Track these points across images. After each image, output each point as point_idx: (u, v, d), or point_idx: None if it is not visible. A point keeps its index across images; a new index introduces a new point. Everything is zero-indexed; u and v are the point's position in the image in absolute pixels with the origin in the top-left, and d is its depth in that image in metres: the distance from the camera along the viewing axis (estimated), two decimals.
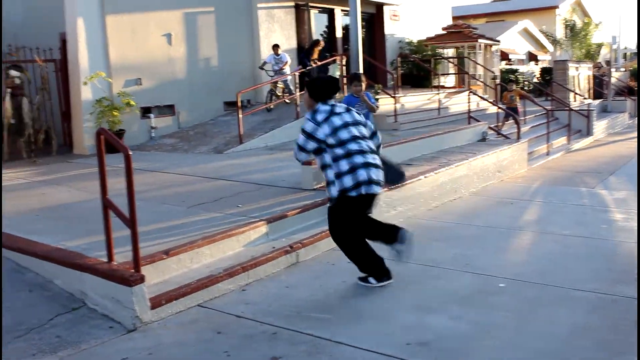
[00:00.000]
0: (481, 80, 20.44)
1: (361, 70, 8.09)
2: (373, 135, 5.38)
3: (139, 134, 13.35)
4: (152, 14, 13.60)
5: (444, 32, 21.31)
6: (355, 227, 5.26)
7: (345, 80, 14.53)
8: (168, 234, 5.86)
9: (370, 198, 5.17)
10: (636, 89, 26.69)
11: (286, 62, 14.64)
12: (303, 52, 15.80)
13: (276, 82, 14.34)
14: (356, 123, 5.22)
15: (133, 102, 12.80)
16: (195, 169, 9.88)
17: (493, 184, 10.22)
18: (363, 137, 5.20)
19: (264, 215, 6.45)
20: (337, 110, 5.21)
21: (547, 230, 7.23)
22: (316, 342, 4.29)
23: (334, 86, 5.25)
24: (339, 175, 5.09)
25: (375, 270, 5.37)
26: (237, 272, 5.37)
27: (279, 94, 14.58)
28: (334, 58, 15.44)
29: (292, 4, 16.56)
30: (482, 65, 20.95)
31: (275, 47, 14.80)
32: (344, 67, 14.97)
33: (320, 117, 5.14)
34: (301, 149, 5.25)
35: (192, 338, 4.43)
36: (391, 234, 5.30)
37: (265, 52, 15.75)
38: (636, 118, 23.64)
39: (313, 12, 17.41)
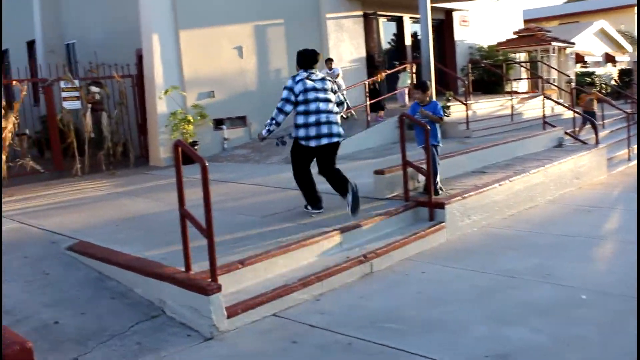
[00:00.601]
0: (555, 84, 19.91)
1: (433, 78, 8.01)
2: (339, 104, 7.06)
3: (212, 145, 13.63)
4: (223, 28, 13.90)
5: (516, 36, 20.88)
6: (303, 167, 7.00)
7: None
8: (243, 243, 5.95)
9: (321, 149, 6.90)
10: None
11: (338, 75, 14.26)
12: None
13: None
14: (324, 89, 6.87)
15: (206, 114, 13.09)
16: (267, 179, 10.00)
17: (571, 192, 9.91)
18: (326, 100, 6.84)
19: (338, 225, 6.46)
20: (312, 77, 6.91)
21: (630, 239, 6.95)
22: (391, 353, 4.26)
23: (313, 58, 6.97)
24: (297, 127, 6.87)
25: (312, 201, 7.10)
26: (311, 281, 5.40)
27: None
28: (404, 66, 15.36)
29: (361, 13, 16.59)
30: (556, 69, 20.40)
31: (329, 61, 14.45)
32: (414, 75, 14.87)
33: (297, 77, 6.90)
34: (280, 111, 6.93)
35: (268, 347, 4.48)
36: (343, 186, 6.91)
37: (335, 62, 15.82)
38: None
39: (382, 20, 17.40)
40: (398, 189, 7.83)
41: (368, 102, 13.47)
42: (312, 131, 6.83)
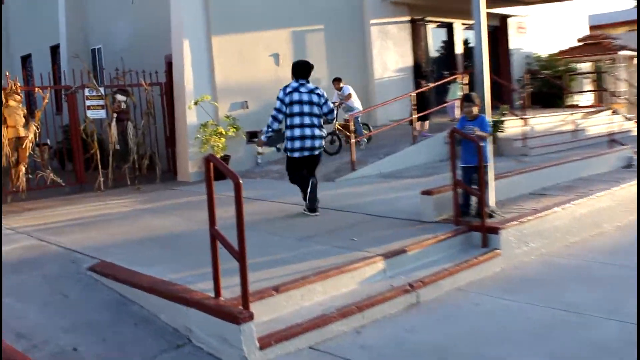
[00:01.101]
0: (624, 97, 19.56)
1: (487, 90, 7.93)
2: (328, 113, 8.50)
3: (245, 159, 13.71)
4: (258, 33, 14.02)
5: (579, 44, 20.61)
6: (295, 173, 8.63)
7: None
8: (278, 267, 5.93)
9: (303, 160, 8.49)
10: None
11: (349, 95, 13.82)
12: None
13: (347, 122, 13.29)
14: (310, 103, 8.30)
15: (239, 126, 13.18)
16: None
17: None
18: (310, 114, 8.27)
19: (381, 250, 6.41)
20: (302, 89, 8.32)
21: None
22: None
23: (305, 69, 8.48)
24: (287, 139, 8.38)
25: (306, 202, 8.53)
26: (351, 311, 5.34)
27: (347, 133, 12.93)
28: (455, 77, 15.28)
29: (408, 18, 16.59)
30: (625, 80, 20.05)
31: (336, 81, 14.00)
32: (466, 86, 14.76)
33: (288, 89, 8.32)
34: (275, 119, 8.33)
35: None
36: (311, 197, 8.50)
37: (380, 71, 15.84)
38: None
39: (430, 26, 17.36)
40: (447, 211, 7.75)
41: (415, 116, 13.39)
42: (296, 144, 8.36)
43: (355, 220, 7.97)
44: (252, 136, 13.91)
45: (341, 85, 14.09)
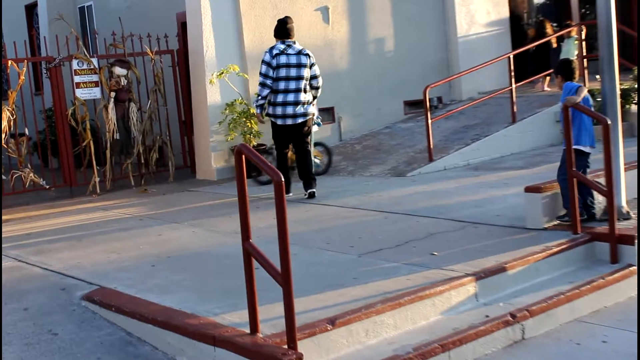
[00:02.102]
0: None
1: (615, 47, 7.84)
2: (313, 78, 10.38)
3: None
4: None
5: None
6: (278, 145, 10.34)
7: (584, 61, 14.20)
8: (334, 293, 5.95)
9: (287, 128, 10.23)
10: None
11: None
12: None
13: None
14: (298, 66, 10.19)
15: None
16: (366, 199, 10.05)
17: None
18: (298, 78, 10.16)
19: (471, 268, 6.39)
20: (289, 50, 10.24)
21: None
22: None
23: (290, 28, 10.40)
24: (270, 104, 10.19)
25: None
26: (433, 351, 5.34)
27: None
28: (568, 30, 15.08)
29: None
30: None
31: None
32: (583, 43, 14.57)
33: (274, 51, 10.20)
34: (264, 85, 10.12)
35: None
36: (306, 178, 10.34)
37: (464, 26, 15.75)
38: None
39: None
40: (560, 214, 7.70)
41: (514, 85, 13.27)
42: (278, 110, 10.15)
43: (435, 228, 7.97)
44: None
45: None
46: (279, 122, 10.20)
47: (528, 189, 7.85)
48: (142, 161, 12.99)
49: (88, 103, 12.77)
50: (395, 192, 10.36)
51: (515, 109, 13.15)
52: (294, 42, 10.40)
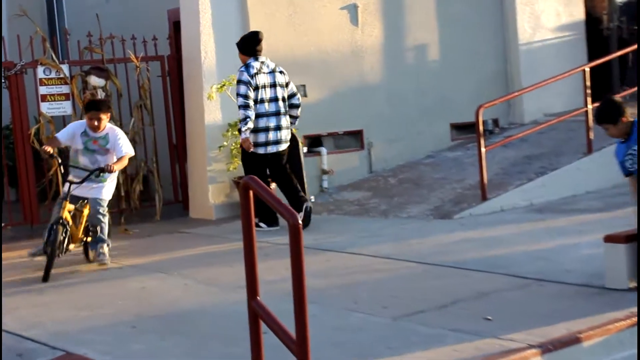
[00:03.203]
0: None
1: None
2: (292, 96, 11.49)
3: None
4: None
5: None
6: (255, 175, 9.80)
7: None
8: None
9: (268, 158, 11.24)
10: None
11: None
12: None
13: None
14: (274, 85, 11.23)
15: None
16: (402, 246, 10.03)
17: None
18: (276, 99, 11.23)
19: (535, 338, 6.33)
20: (264, 69, 11.25)
21: None
22: None
23: (259, 41, 11.32)
24: (253, 130, 11.08)
25: (267, 216, 11.12)
26: None
27: None
28: None
29: None
30: None
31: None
32: None
33: (252, 70, 11.13)
34: (247, 107, 11.00)
35: None
36: (295, 201, 11.05)
37: (528, 31, 15.71)
38: None
39: None
40: None
41: (590, 106, 13.20)
42: (261, 137, 11.19)
43: (489, 286, 7.93)
44: (313, 143, 13.99)
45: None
46: (261, 150, 11.21)
47: (608, 238, 7.78)
48: (122, 194, 12.97)
49: (56, 120, 12.79)
50: (439, 239, 10.33)
51: (591, 136, 13.07)
52: (266, 59, 11.47)
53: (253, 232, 5.14)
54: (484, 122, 13.16)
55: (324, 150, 14.04)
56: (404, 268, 8.97)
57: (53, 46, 13.98)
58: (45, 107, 12.62)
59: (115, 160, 9.75)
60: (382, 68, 14.66)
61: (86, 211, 9.89)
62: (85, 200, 9.85)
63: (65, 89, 12.72)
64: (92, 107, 10.00)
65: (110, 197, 10.11)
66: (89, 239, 10.03)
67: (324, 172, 13.92)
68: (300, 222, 4.74)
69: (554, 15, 16.08)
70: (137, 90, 13.30)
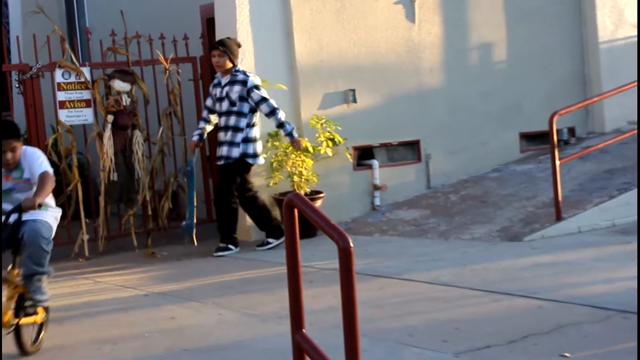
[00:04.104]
0: None
1: None
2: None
3: (352, 198, 13.85)
4: None
5: None
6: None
7: None
8: None
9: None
10: None
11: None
12: None
13: None
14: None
15: (339, 137, 13.24)
16: (465, 272, 9.99)
17: None
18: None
19: None
20: None
21: None
22: None
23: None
24: (252, 141, 12.36)
25: (273, 229, 12.33)
26: None
27: None
28: None
29: None
30: None
31: None
32: None
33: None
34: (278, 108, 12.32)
35: None
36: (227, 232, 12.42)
37: (608, 27, 15.59)
38: None
39: None
40: None
41: None
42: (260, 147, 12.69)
43: (566, 318, 7.83)
44: (363, 155, 13.98)
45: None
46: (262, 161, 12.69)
47: None
48: (150, 212, 13.02)
49: (75, 130, 12.87)
50: (507, 264, 10.27)
51: None
52: None
53: (298, 255, 5.14)
54: (559, 131, 13.10)
55: (375, 163, 14.04)
56: (467, 297, 8.92)
57: (73, 47, 13.97)
58: (64, 115, 12.68)
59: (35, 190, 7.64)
60: (442, 70, 14.64)
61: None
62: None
63: (86, 95, 12.76)
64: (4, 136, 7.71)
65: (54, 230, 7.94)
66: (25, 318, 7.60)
67: (376, 187, 13.91)
68: (351, 244, 4.72)
69: None
70: (166, 95, 13.37)
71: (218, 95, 12.28)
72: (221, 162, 12.27)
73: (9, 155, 7.74)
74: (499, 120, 15.00)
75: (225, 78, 12.22)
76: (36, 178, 7.73)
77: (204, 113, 12.68)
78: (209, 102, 12.60)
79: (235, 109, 12.18)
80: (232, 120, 12.23)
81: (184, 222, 12.57)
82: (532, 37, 15.23)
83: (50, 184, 7.69)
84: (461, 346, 7.21)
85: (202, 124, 12.60)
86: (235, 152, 12.14)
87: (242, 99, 12.13)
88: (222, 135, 12.28)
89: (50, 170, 7.90)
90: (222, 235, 12.35)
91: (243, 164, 12.23)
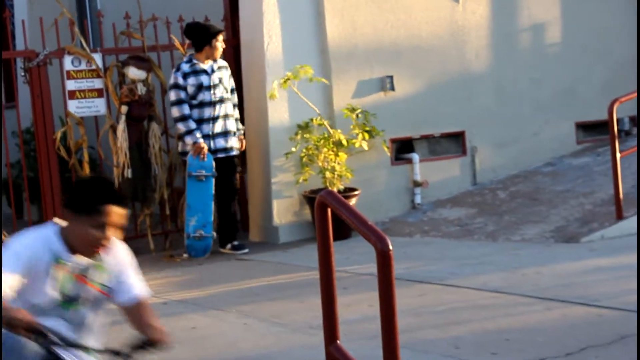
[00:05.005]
0: None
1: None
2: None
3: (389, 196, 13.84)
4: None
5: None
6: None
7: None
8: None
9: None
10: None
11: None
12: None
13: None
14: None
15: (376, 129, 13.22)
16: (516, 277, 9.96)
17: None
18: None
19: None
20: None
21: None
22: None
23: None
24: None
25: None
26: None
27: None
28: None
29: None
30: None
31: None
32: None
33: None
34: None
35: None
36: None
37: None
38: None
39: None
40: None
41: None
42: None
43: (629, 328, 7.75)
44: (402, 149, 13.97)
45: None
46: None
47: None
48: (168, 212, 13.06)
49: (86, 122, 12.93)
50: (562, 268, 10.25)
51: None
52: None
53: (332, 259, 5.14)
54: (619, 121, 13.06)
55: (415, 157, 14.01)
56: (517, 304, 8.89)
57: (83, 31, 14.04)
58: (74, 106, 12.74)
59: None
60: (488, 54, 14.61)
61: None
62: None
63: (97, 84, 12.82)
64: (111, 199, 5.39)
65: None
66: None
67: (416, 184, 13.90)
68: (390, 247, 4.72)
69: None
70: None
71: (206, 83, 12.40)
72: (222, 155, 12.43)
73: (108, 237, 5.43)
74: (553, 109, 14.93)
75: (212, 64, 12.51)
76: (126, 297, 5.73)
77: (187, 110, 12.38)
78: (185, 95, 12.40)
79: (228, 95, 12.60)
80: (229, 107, 12.59)
81: (194, 236, 12.37)
82: (589, 16, 15.15)
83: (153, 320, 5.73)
84: (512, 359, 7.20)
85: (193, 124, 12.31)
86: (237, 142, 12.67)
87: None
88: (218, 126, 12.43)
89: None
90: (232, 233, 12.70)
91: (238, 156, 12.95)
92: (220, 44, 12.42)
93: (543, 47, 15.00)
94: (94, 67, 12.77)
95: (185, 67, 12.40)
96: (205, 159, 12.21)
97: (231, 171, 12.55)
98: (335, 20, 13.50)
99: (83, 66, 12.76)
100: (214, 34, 12.42)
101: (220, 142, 12.36)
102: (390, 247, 4.68)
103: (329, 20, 13.46)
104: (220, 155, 12.37)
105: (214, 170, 12.30)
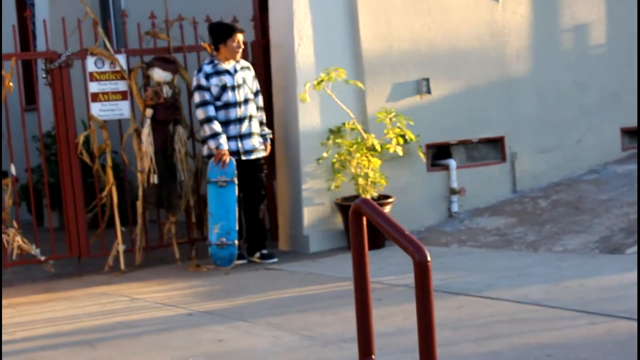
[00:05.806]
0: None
1: None
2: None
3: (425, 204, 13.81)
4: None
5: None
6: None
7: None
8: None
9: None
10: None
11: None
12: None
13: None
14: None
15: (411, 134, 13.21)
16: (557, 290, 9.90)
17: None
18: None
19: None
20: None
21: None
22: None
23: None
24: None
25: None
26: None
27: None
28: None
29: None
30: None
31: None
32: None
33: None
34: None
35: None
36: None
37: None
38: None
39: None
40: None
41: None
42: None
43: None
44: (438, 154, 13.94)
45: None
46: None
47: None
48: (194, 220, 13.07)
49: (110, 126, 12.95)
50: (607, 280, 10.19)
51: None
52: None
53: (367, 270, 5.13)
54: None
55: (453, 163, 13.99)
56: (560, 318, 8.82)
57: (107, 31, 14.13)
58: (97, 109, 12.77)
59: None
60: (530, 56, 14.56)
61: None
62: None
63: (121, 86, 12.86)
64: None
65: None
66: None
67: (453, 191, 13.87)
68: (429, 259, 4.71)
69: None
70: None
71: (230, 83, 12.55)
72: (250, 157, 12.59)
73: None
74: (597, 114, 14.87)
75: (235, 64, 12.66)
76: None
77: (212, 111, 12.54)
78: (210, 96, 12.56)
79: (252, 97, 12.76)
80: (253, 109, 12.73)
81: (217, 244, 12.40)
82: (633, 16, 15.10)
83: None
84: None
85: (219, 127, 12.43)
86: (262, 145, 12.84)
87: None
88: (243, 127, 12.56)
89: None
90: (261, 241, 12.83)
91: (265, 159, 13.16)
92: (236, 44, 12.49)
93: (587, 48, 14.94)
94: (117, 68, 12.80)
95: (207, 68, 12.56)
96: (227, 167, 12.26)
97: (258, 174, 12.66)
98: (369, 21, 13.49)
99: (106, 68, 12.79)
100: (228, 34, 12.49)
101: (249, 144, 12.48)
102: (429, 259, 4.67)
103: (363, 21, 13.45)
104: (248, 157, 12.48)
105: (235, 175, 12.34)
